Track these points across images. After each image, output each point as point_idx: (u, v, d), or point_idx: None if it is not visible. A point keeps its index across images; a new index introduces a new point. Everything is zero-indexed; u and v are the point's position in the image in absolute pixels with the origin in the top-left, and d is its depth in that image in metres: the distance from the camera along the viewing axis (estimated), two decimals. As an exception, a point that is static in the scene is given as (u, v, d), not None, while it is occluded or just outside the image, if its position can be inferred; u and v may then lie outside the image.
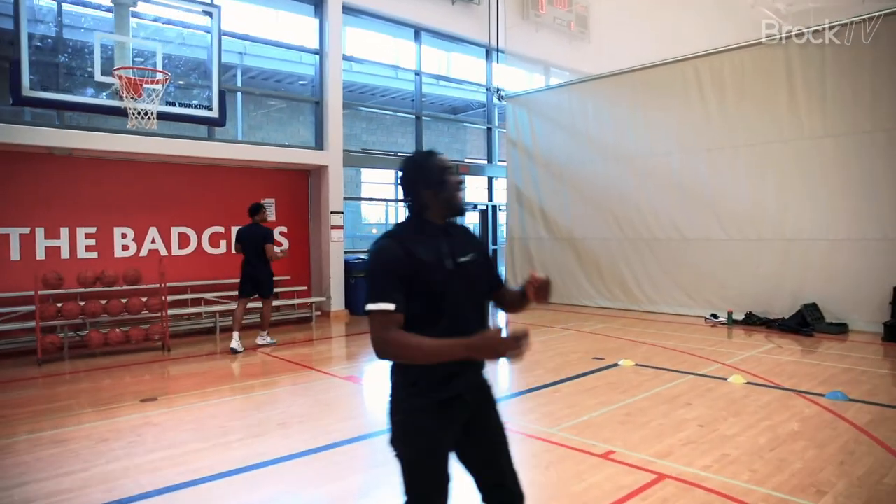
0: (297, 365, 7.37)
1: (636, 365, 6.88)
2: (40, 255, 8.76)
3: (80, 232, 9.08)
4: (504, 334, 1.89)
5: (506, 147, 14.23)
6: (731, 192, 10.09)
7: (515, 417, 5.06)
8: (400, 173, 2.26)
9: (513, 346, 1.89)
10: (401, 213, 18.49)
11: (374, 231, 17.95)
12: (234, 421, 5.11)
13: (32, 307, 7.64)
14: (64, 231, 8.95)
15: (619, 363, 6.97)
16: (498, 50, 14.39)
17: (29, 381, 6.85)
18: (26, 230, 8.70)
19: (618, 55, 14.46)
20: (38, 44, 5.61)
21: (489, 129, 14.92)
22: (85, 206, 9.09)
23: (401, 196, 2.24)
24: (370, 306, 2.05)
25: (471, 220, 15.83)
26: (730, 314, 9.55)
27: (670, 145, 10.94)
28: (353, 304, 11.48)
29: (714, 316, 9.86)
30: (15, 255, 8.61)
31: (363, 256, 12.01)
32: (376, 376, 7.01)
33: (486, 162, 14.91)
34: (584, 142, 12.34)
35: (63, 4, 6.35)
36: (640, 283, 11.47)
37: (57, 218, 8.88)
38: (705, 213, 10.44)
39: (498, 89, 14.37)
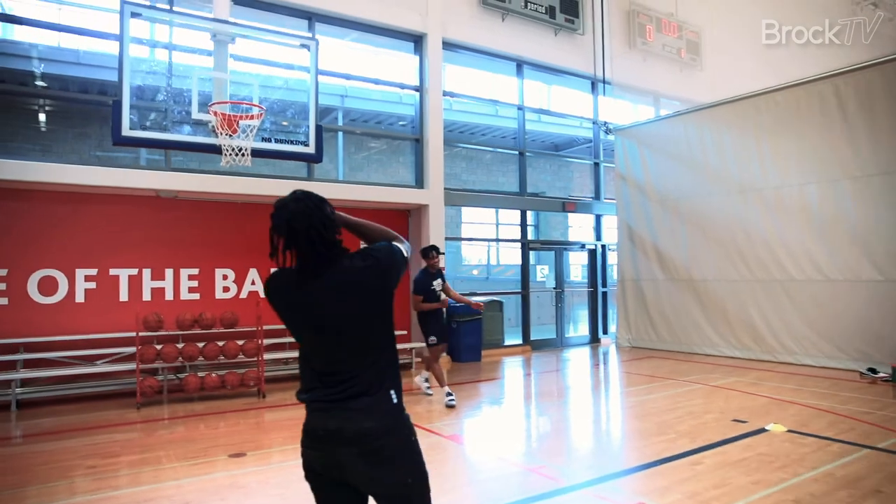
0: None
1: (789, 431, 5.78)
2: (146, 296, 8.82)
3: (184, 273, 9.10)
4: None
5: (615, 183, 13.37)
6: (887, 225, 8.73)
7: (650, 497, 4.20)
8: (312, 212, 2.12)
9: None
10: (504, 254, 17.91)
11: (476, 273, 17.39)
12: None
13: (135, 348, 7.60)
14: (168, 272, 8.99)
15: (767, 428, 5.89)
16: (604, 81, 13.68)
17: (127, 425, 6.68)
18: (134, 271, 8.80)
19: (734, 80, 13.42)
20: (139, 83, 5.54)
21: (596, 165, 14.11)
22: (188, 247, 9.12)
23: (323, 235, 2.13)
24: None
25: (578, 261, 14.96)
26: (894, 369, 8.11)
27: (805, 174, 9.72)
28: (456, 349, 10.88)
29: (872, 371, 8.43)
30: (123, 295, 8.70)
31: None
32: (482, 436, 6.32)
33: (592, 199, 14.07)
34: (703, 174, 11.30)
35: (166, 50, 6.35)
36: (774, 331, 10.14)
37: (162, 259, 8.94)
38: (853, 250, 9.09)
39: (605, 123, 13.61)
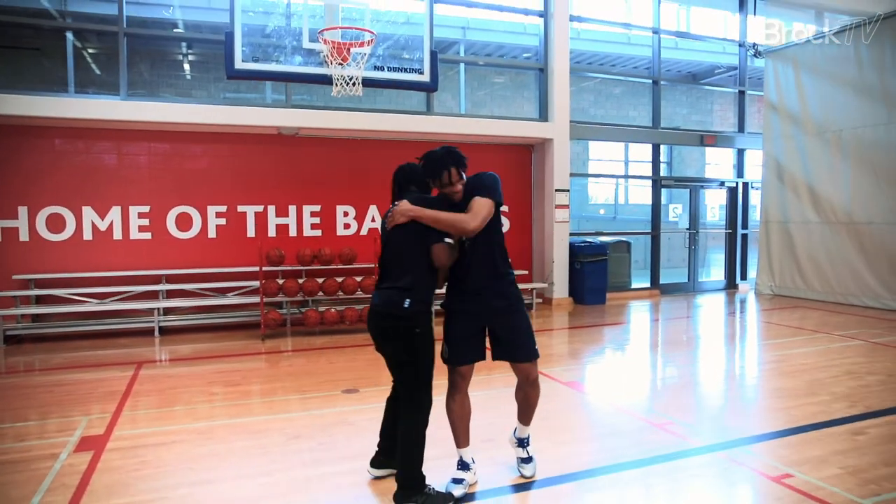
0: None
1: (980, 401, 4.86)
2: (272, 232, 9.07)
3: (307, 210, 9.24)
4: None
5: (763, 113, 11.92)
6: None
7: (801, 468, 3.62)
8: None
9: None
10: (632, 193, 16.89)
11: (602, 212, 16.54)
12: (437, 429, 4.38)
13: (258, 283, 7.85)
14: (292, 209, 9.16)
15: (949, 396, 4.99)
16: (756, -5, 12.06)
17: (251, 355, 6.95)
18: (260, 208, 9.05)
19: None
20: (251, 12, 5.41)
21: (740, 94, 12.62)
22: (310, 184, 9.23)
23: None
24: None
25: (717, 201, 13.71)
26: None
27: None
28: (578, 291, 10.39)
29: None
30: (251, 231, 9.00)
31: (589, 240, 10.83)
32: (603, 385, 5.90)
33: (735, 132, 12.70)
34: (878, 100, 9.71)
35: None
36: (956, 282, 8.72)
37: (286, 196, 9.12)
38: None
39: (754, 45, 12.06)
